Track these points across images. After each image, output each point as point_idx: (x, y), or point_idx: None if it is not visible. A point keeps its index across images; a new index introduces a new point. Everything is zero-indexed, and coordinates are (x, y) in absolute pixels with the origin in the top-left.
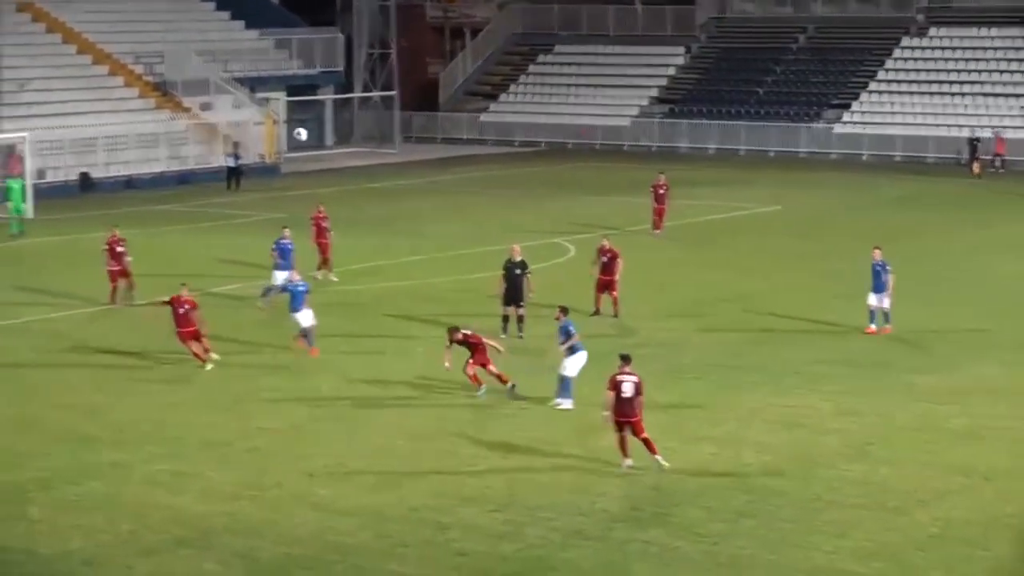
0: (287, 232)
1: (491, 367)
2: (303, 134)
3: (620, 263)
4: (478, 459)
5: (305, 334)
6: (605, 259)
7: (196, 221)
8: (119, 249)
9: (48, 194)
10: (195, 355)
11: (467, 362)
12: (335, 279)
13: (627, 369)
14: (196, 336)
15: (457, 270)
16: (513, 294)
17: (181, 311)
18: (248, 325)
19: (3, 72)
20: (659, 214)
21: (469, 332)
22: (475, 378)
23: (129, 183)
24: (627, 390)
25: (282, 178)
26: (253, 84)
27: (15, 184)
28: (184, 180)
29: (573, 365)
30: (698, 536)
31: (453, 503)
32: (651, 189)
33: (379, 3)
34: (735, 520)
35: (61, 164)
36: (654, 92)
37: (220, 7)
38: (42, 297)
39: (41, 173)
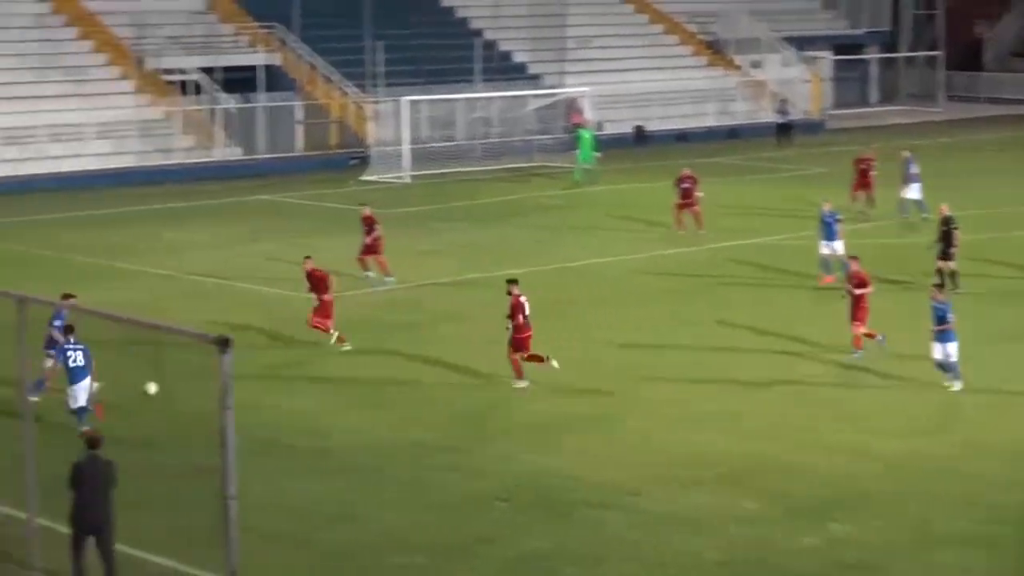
0: (827, 206)
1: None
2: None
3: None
4: (988, 411)
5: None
6: (686, 185)
7: (744, 173)
8: (685, 185)
9: (605, 145)
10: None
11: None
12: (868, 211)
13: (518, 290)
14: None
15: (995, 228)
16: (943, 249)
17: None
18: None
19: (567, 30)
20: None
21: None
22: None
23: (681, 136)
24: (527, 309)
25: (826, 134)
26: (801, 43)
27: (586, 134)
28: (733, 134)
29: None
30: None
31: (976, 453)
32: None
33: None
34: None
35: (618, 117)
36: None
37: None
38: (610, 241)
39: (599, 125)
